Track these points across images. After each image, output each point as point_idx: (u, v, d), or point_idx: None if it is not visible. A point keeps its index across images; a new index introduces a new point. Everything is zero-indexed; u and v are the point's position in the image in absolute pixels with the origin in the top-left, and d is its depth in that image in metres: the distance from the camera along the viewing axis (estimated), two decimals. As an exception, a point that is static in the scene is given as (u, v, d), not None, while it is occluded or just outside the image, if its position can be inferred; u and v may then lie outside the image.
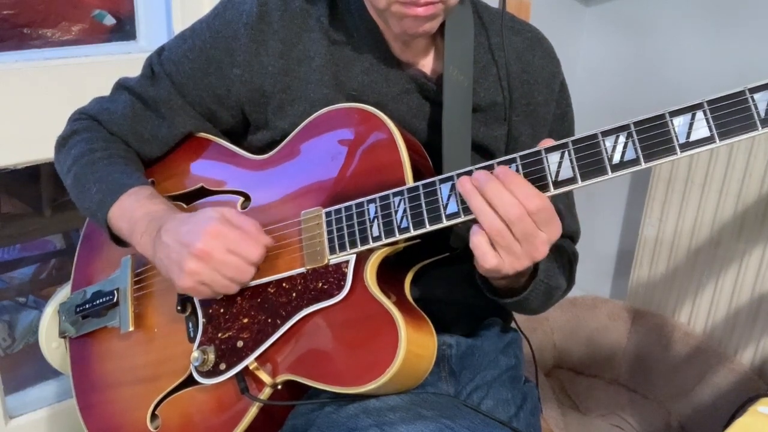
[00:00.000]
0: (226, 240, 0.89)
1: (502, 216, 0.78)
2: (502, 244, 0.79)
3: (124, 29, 1.70)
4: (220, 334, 0.96)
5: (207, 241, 0.88)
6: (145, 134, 1.09)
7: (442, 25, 0.99)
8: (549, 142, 0.80)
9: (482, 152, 1.04)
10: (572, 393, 2.02)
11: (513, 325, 1.20)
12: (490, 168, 0.82)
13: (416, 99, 1.02)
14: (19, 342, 1.93)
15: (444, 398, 0.94)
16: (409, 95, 1.02)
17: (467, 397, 1.05)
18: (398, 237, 0.86)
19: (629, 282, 2.09)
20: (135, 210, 0.98)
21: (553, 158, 0.79)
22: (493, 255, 0.81)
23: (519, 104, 1.05)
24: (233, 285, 0.92)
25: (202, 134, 1.10)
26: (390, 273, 0.91)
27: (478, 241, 0.81)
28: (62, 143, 1.10)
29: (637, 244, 2.04)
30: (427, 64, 1.04)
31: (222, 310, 0.97)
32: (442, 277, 1.04)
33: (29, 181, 1.86)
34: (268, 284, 0.94)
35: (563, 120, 1.11)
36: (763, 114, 0.70)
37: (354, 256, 0.89)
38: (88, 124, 1.10)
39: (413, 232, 0.85)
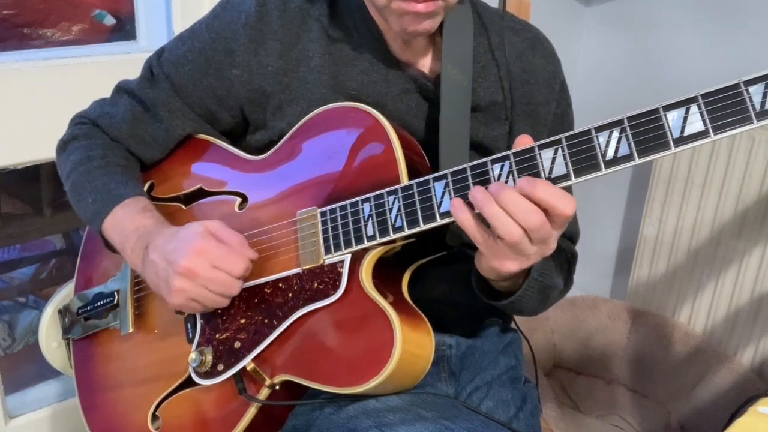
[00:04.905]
0: (211, 256, 0.89)
1: (522, 224, 0.76)
2: (518, 248, 0.79)
3: (124, 29, 1.70)
4: (217, 335, 0.96)
5: (191, 258, 0.89)
6: (146, 138, 1.09)
7: (442, 25, 0.99)
8: (527, 139, 0.80)
9: (482, 151, 1.04)
10: (572, 393, 2.02)
11: (513, 325, 1.20)
12: (483, 166, 0.81)
13: (415, 99, 1.02)
14: (19, 342, 1.93)
15: (444, 399, 0.93)
16: (408, 95, 1.02)
17: (467, 398, 1.05)
18: (393, 236, 0.86)
19: (629, 282, 2.09)
20: (126, 224, 0.99)
21: (547, 155, 0.78)
22: (509, 262, 0.81)
23: (519, 104, 1.05)
24: (222, 299, 0.93)
25: (201, 136, 1.10)
26: (387, 272, 0.91)
27: (487, 242, 0.80)
28: (62, 147, 1.10)
29: (637, 244, 2.04)
30: (426, 64, 1.03)
31: (219, 312, 0.97)
32: (441, 278, 1.04)
33: (29, 181, 1.86)
34: (264, 285, 0.95)
35: (563, 120, 1.11)
36: (758, 107, 0.69)
37: (349, 255, 0.89)
38: (87, 130, 1.10)
39: (407, 231, 0.85)
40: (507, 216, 0.76)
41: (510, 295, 0.94)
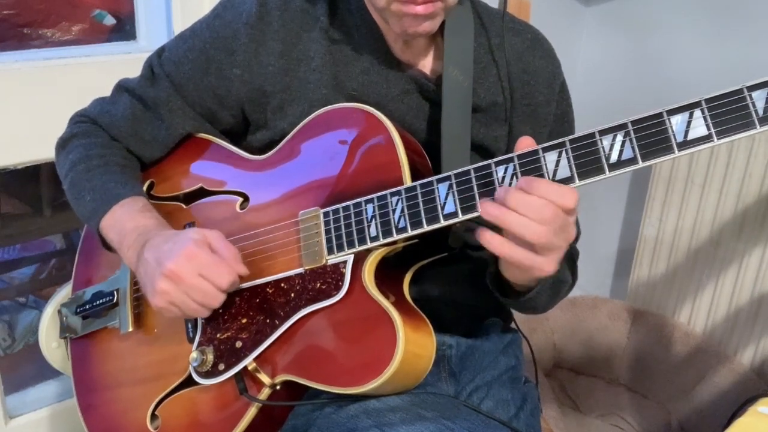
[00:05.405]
0: (199, 263, 0.89)
1: (538, 220, 0.76)
2: (547, 245, 0.78)
3: (124, 29, 1.70)
4: (218, 335, 0.96)
5: (179, 261, 0.88)
6: (146, 136, 1.09)
7: (443, 26, 0.99)
8: (529, 141, 0.80)
9: (483, 152, 1.04)
10: (572, 393, 2.02)
11: (513, 325, 1.20)
12: (487, 168, 0.82)
13: (416, 99, 1.02)
14: (19, 342, 1.93)
15: (444, 399, 0.93)
16: (409, 95, 1.02)
17: (467, 398, 1.05)
18: (396, 237, 0.86)
19: (629, 282, 2.09)
20: (125, 222, 0.99)
21: (551, 157, 0.79)
22: (546, 261, 0.80)
23: (519, 105, 1.05)
24: (202, 309, 0.92)
25: (202, 135, 1.10)
26: (389, 273, 0.91)
27: (527, 257, 0.79)
28: (62, 145, 1.10)
29: (637, 244, 2.04)
30: (427, 65, 1.04)
31: (221, 311, 0.96)
32: (442, 278, 1.04)
33: (29, 181, 1.86)
34: (266, 285, 0.95)
35: (563, 120, 1.11)
36: (761, 112, 0.70)
37: (352, 256, 0.89)
38: (87, 128, 1.10)
39: (411, 232, 0.85)
40: (528, 219, 0.76)
41: (526, 291, 0.94)
